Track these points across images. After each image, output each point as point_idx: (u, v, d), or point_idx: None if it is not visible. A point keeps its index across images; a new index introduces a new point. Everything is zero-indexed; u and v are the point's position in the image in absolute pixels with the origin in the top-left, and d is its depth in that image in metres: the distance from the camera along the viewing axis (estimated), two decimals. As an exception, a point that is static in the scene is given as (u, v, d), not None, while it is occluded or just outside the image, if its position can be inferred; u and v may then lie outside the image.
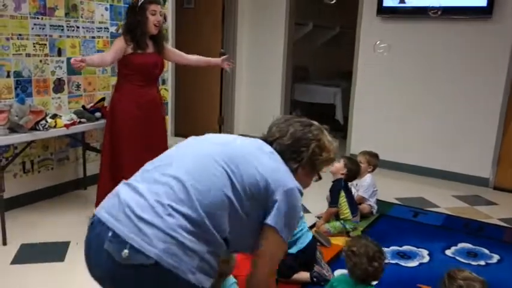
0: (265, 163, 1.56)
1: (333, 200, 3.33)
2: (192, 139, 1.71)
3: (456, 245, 3.20)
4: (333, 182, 3.37)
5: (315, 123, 1.74)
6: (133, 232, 1.35)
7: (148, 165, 1.59)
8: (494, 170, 4.59)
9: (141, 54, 3.24)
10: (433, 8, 3.88)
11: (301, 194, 1.59)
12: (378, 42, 3.94)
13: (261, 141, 1.69)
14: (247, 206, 1.50)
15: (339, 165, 3.39)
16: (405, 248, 3.12)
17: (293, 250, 2.64)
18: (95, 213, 1.47)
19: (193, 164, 1.51)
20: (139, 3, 3.20)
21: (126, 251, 1.33)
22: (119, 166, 3.26)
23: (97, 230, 1.42)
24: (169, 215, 1.38)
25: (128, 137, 3.23)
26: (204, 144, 1.64)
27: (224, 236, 1.47)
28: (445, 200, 4.17)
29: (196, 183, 1.45)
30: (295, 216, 1.57)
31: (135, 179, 1.53)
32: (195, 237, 1.38)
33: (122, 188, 1.50)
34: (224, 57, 3.72)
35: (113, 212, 1.41)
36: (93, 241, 1.43)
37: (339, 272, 2.66)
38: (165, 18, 4.67)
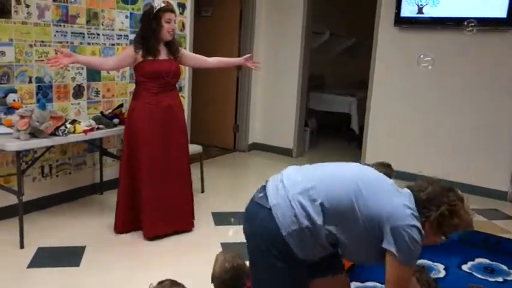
0: (395, 199, 1.76)
1: None
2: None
3: (473, 260, 3.16)
4: None
5: (458, 191, 1.86)
6: (272, 187, 1.86)
7: (307, 166, 1.99)
8: (512, 183, 4.53)
9: (152, 61, 3.22)
10: (470, 23, 3.82)
11: (422, 236, 1.72)
12: (422, 56, 3.92)
13: (389, 183, 1.88)
14: (366, 222, 1.72)
15: None
16: (421, 262, 3.08)
17: None
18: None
19: (331, 175, 1.86)
20: (155, 11, 3.20)
21: (261, 194, 1.86)
22: (136, 171, 3.29)
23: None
24: (299, 190, 1.78)
25: (145, 143, 3.25)
26: (349, 165, 1.96)
27: (329, 229, 1.73)
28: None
29: (328, 187, 1.78)
30: (413, 248, 1.70)
31: (295, 170, 1.95)
32: (305, 212, 1.73)
33: (286, 171, 1.96)
34: (247, 56, 3.69)
35: (273, 179, 1.93)
36: None
37: (353, 285, 2.64)
38: (183, 26, 4.72)
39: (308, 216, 1.73)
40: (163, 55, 3.28)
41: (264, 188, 1.90)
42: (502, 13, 4.37)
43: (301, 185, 1.80)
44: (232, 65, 3.76)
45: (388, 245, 1.69)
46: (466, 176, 4.72)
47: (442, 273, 2.96)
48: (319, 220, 1.73)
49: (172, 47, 3.34)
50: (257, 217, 1.82)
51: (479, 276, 2.94)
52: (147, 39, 3.21)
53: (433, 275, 2.91)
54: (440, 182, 1.88)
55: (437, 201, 1.78)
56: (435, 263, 3.08)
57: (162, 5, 3.26)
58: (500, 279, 2.93)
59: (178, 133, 3.39)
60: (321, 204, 1.73)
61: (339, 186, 1.77)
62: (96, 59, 3.59)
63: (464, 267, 3.06)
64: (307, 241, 1.74)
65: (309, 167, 1.95)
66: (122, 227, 3.37)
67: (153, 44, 3.21)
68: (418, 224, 1.72)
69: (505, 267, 3.07)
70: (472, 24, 3.91)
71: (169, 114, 3.31)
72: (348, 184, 1.77)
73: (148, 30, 3.21)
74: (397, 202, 1.74)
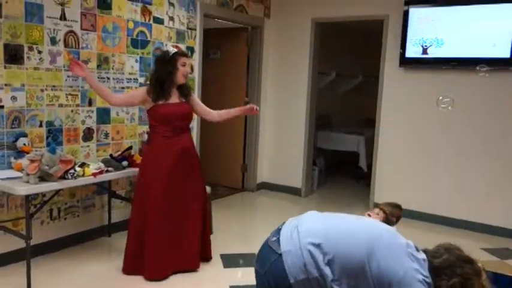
0: (408, 263, 1.70)
1: None
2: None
3: (487, 303, 3.07)
4: None
5: (478, 264, 1.78)
6: (286, 233, 1.84)
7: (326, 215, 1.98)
8: (524, 222, 4.47)
9: (163, 105, 3.29)
10: (482, 67, 3.89)
11: None
12: (441, 98, 3.93)
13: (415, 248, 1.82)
14: (376, 284, 1.68)
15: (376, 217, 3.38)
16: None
17: None
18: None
19: (347, 230, 1.83)
20: (170, 55, 3.31)
21: (274, 238, 1.87)
22: (145, 211, 3.29)
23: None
24: (312, 240, 1.76)
25: (156, 188, 3.27)
26: (366, 222, 1.97)
27: (338, 285, 1.70)
28: (473, 253, 3.95)
29: (342, 243, 1.76)
30: None
31: (313, 218, 1.95)
32: (315, 262, 1.72)
33: (304, 216, 1.95)
34: (248, 106, 3.67)
35: (289, 224, 1.93)
36: None
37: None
38: (192, 69, 4.82)
39: (317, 268, 1.71)
40: (174, 98, 3.35)
41: (278, 231, 1.89)
42: (506, 53, 4.42)
43: (315, 235, 1.78)
44: (234, 115, 3.67)
45: None
46: (476, 214, 4.68)
47: (456, 317, 2.87)
48: (328, 274, 1.71)
49: (184, 90, 3.41)
50: (268, 261, 1.81)
51: (494, 320, 2.86)
52: (162, 82, 3.28)
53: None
54: (459, 250, 1.81)
55: (450, 271, 1.71)
56: (448, 307, 2.99)
57: (175, 49, 3.37)
58: (515, 323, 2.84)
59: (193, 176, 3.41)
60: (331, 259, 1.72)
61: (352, 244, 1.75)
62: (105, 89, 3.51)
63: (479, 311, 2.97)
64: None
65: (327, 217, 1.94)
66: (130, 268, 3.35)
67: (167, 87, 3.29)
68: (428, 279, 1.68)
69: (520, 310, 2.99)
70: (484, 68, 3.97)
71: (182, 157, 3.34)
72: (362, 243, 1.74)
73: (164, 73, 3.29)
74: (410, 266, 1.69)
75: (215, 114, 3.62)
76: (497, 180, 4.57)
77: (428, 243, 4.38)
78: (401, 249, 1.74)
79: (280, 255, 1.76)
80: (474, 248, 4.19)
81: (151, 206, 3.27)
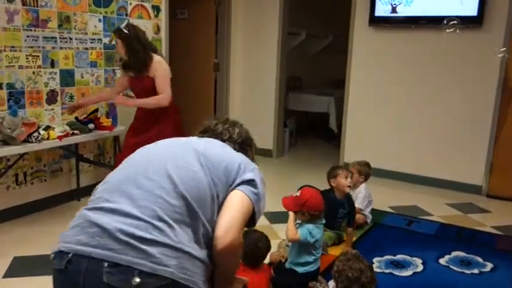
0: (229, 152, 1.67)
1: (352, 221, 3.25)
2: (146, 148, 1.64)
3: (450, 254, 3.20)
4: (349, 201, 3.27)
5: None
6: (138, 257, 1.26)
7: (113, 181, 1.48)
8: (486, 177, 4.61)
9: (128, 78, 3.58)
10: (450, 21, 3.93)
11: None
12: (446, 21, 3.97)
13: (211, 139, 1.76)
14: (225, 192, 1.51)
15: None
16: (399, 257, 3.13)
17: (300, 269, 2.63)
18: (61, 249, 1.35)
19: (171, 167, 1.46)
20: None
21: (136, 278, 1.23)
22: None
23: (78, 267, 1.29)
24: (169, 226, 1.32)
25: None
26: (168, 148, 1.62)
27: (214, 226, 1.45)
28: (438, 208, 4.19)
29: (183, 184, 1.41)
30: (263, 190, 1.62)
31: (103, 199, 1.41)
32: (196, 243, 1.37)
33: (94, 215, 1.37)
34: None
35: (98, 242, 1.29)
36: (79, 279, 1.29)
37: (332, 283, 2.66)
38: (158, 29, 4.70)
39: (199, 242, 1.39)
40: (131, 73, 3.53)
41: (115, 267, 1.26)
42: (473, 11, 4.44)
43: (163, 220, 1.34)
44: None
45: (245, 189, 1.52)
46: (442, 171, 4.80)
47: (420, 268, 2.99)
48: (206, 230, 1.42)
49: (131, 68, 3.49)
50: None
51: (456, 269, 2.99)
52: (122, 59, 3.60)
53: (411, 270, 2.95)
54: (227, 119, 1.93)
55: (249, 140, 1.85)
56: (413, 258, 3.11)
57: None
58: (476, 271, 2.97)
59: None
60: (198, 211, 1.40)
61: (192, 183, 1.44)
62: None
63: (442, 261, 3.10)
64: (210, 268, 1.45)
65: (136, 194, 1.39)
66: None
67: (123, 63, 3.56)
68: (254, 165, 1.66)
69: (480, 260, 3.12)
70: (454, 22, 3.98)
71: (144, 125, 3.57)
72: (195, 174, 1.46)
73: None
74: (232, 155, 1.63)
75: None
76: (462, 137, 4.68)
77: (397, 200, 4.52)
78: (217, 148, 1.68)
79: (172, 280, 1.27)
80: (440, 203, 4.33)
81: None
